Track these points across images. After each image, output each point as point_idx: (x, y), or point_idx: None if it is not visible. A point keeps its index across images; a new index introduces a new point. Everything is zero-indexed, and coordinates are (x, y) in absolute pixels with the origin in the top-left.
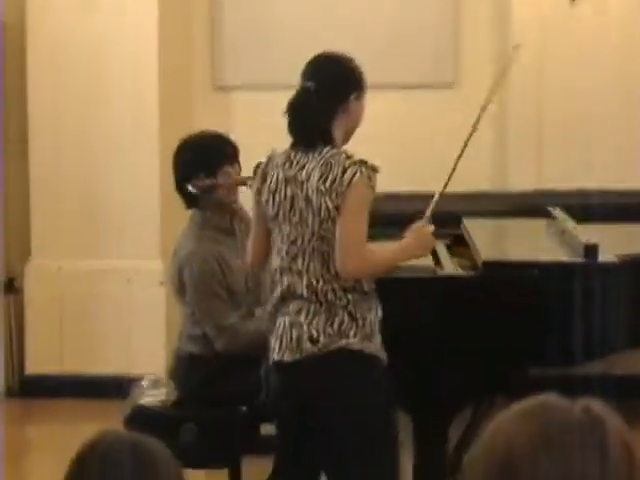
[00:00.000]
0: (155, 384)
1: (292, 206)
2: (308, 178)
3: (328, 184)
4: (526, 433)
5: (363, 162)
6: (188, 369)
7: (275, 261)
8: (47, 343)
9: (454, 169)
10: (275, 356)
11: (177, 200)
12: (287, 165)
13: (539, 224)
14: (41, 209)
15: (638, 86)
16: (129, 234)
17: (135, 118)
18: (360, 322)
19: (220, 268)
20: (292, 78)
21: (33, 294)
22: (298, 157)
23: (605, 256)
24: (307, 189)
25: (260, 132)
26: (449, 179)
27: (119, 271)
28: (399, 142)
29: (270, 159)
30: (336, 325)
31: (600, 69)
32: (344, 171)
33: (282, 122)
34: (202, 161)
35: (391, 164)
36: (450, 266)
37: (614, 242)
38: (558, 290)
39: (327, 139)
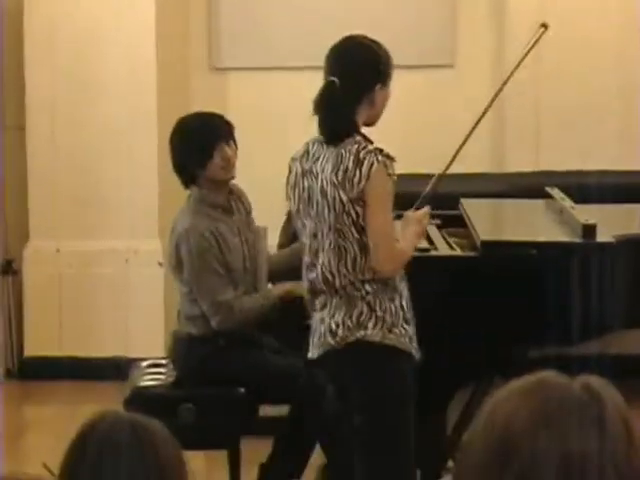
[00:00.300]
0: (154, 365)
1: (310, 199)
2: (322, 170)
3: (340, 176)
4: (525, 410)
5: (378, 150)
6: (187, 350)
7: (304, 258)
8: (46, 325)
9: (458, 151)
10: (308, 354)
11: (175, 180)
12: (305, 158)
13: (537, 204)
14: (39, 191)
15: (636, 69)
16: (127, 215)
17: (133, 100)
18: (379, 313)
19: (217, 244)
20: (288, 59)
21: (31, 276)
22: (315, 149)
23: (603, 236)
24: (322, 181)
25: (257, 113)
26: (452, 161)
27: (117, 252)
28: (399, 122)
29: (299, 152)
30: (355, 317)
31: (598, 52)
32: (359, 162)
33: (278, 103)
34: (198, 140)
35: (389, 144)
36: (444, 246)
37: (612, 222)
38: (556, 270)
39: (352, 130)
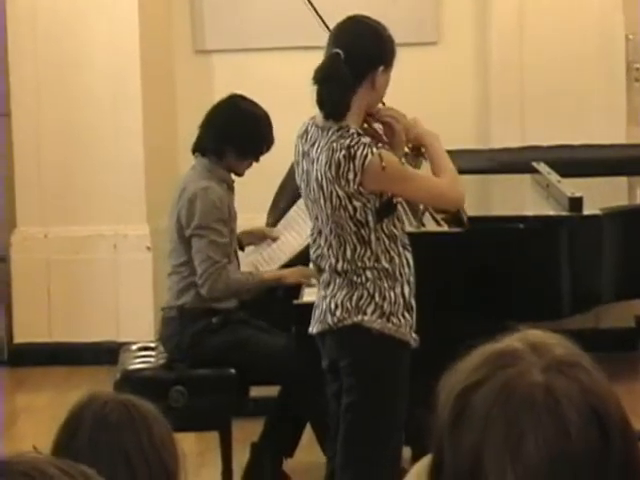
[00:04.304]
0: (144, 349)
1: (308, 183)
2: (318, 159)
3: (334, 171)
4: (483, 393)
5: (375, 142)
6: (180, 324)
7: (310, 233)
8: (35, 311)
9: None
10: (309, 328)
11: (162, 164)
12: (304, 138)
13: (524, 179)
14: (26, 177)
15: (620, 41)
16: (115, 200)
17: (117, 83)
18: (379, 300)
19: (229, 213)
20: (272, 41)
21: (20, 262)
22: (312, 131)
23: (590, 209)
24: (317, 172)
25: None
26: None
27: (105, 237)
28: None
29: (301, 129)
30: (355, 300)
31: (581, 26)
32: (351, 157)
33: (263, 85)
34: (261, 138)
35: None
36: (431, 223)
37: (598, 195)
38: (544, 243)
39: (342, 113)
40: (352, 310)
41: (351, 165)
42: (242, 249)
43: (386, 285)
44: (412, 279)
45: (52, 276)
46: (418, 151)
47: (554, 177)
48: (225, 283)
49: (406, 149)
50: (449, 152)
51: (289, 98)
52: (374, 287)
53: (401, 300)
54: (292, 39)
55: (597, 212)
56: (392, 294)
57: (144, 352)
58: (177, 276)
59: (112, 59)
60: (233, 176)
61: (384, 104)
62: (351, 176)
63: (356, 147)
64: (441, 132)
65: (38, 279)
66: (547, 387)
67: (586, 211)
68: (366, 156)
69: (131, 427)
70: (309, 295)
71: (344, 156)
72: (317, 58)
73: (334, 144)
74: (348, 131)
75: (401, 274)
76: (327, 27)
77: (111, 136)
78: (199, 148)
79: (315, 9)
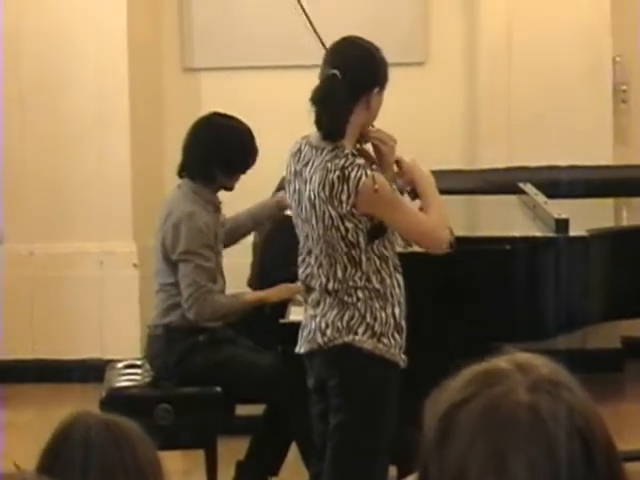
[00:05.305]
0: (130, 366)
1: (300, 202)
2: (311, 179)
3: (327, 192)
4: (469, 412)
5: (369, 164)
6: (166, 342)
7: (299, 252)
8: (20, 328)
9: None
10: (296, 347)
11: (149, 181)
12: (297, 157)
13: (510, 200)
14: (11, 194)
15: (606, 65)
16: (101, 216)
17: (105, 100)
18: (370, 321)
19: (214, 238)
20: (261, 59)
21: (5, 279)
22: (306, 151)
23: (576, 230)
24: (310, 192)
25: (230, 113)
26: None
27: (91, 254)
28: None
29: (294, 147)
30: (345, 320)
31: (569, 47)
32: (345, 178)
33: (251, 103)
34: (247, 153)
35: None
36: None
37: (585, 217)
38: (530, 264)
39: (341, 133)
40: (343, 330)
41: (345, 186)
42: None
43: (377, 305)
44: (402, 300)
45: (38, 293)
46: (416, 193)
47: (541, 198)
48: (211, 307)
49: (406, 192)
50: (436, 172)
51: (278, 116)
52: (365, 307)
53: (392, 321)
54: (281, 58)
55: (583, 233)
56: (383, 315)
57: (130, 370)
58: (164, 294)
59: (100, 77)
60: (224, 192)
61: (373, 126)
62: (344, 197)
63: (350, 168)
64: (428, 152)
65: (24, 296)
66: (532, 406)
67: (572, 232)
68: (360, 178)
69: (115, 447)
70: (295, 314)
71: (338, 177)
72: (306, 77)
73: (328, 164)
74: (343, 151)
75: (392, 295)
76: (323, 44)
77: (98, 153)
78: (186, 172)
79: (314, 28)
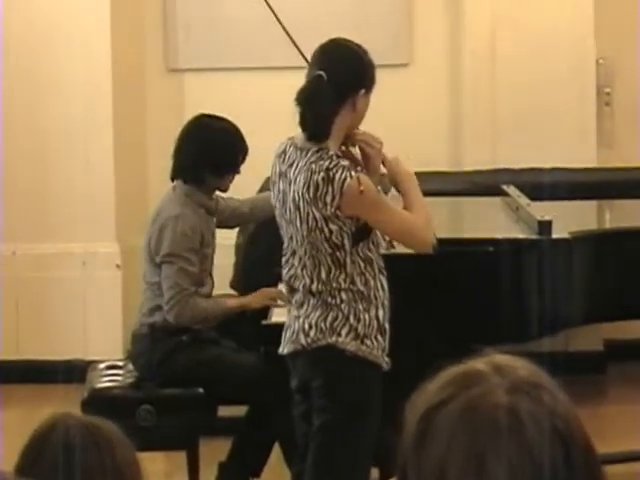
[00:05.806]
0: (112, 367)
1: (284, 203)
2: (295, 180)
3: (312, 193)
4: (447, 414)
5: (353, 165)
6: (150, 341)
7: (283, 253)
8: (3, 329)
9: None
10: (280, 348)
11: (132, 182)
12: (282, 158)
13: (494, 202)
14: None
15: (591, 67)
16: (84, 217)
17: (88, 101)
18: (354, 322)
19: (201, 240)
20: (245, 60)
21: None
22: (290, 152)
23: (559, 232)
24: (294, 193)
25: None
26: None
27: (74, 255)
28: None
29: (279, 148)
30: (329, 321)
31: (553, 50)
32: (329, 179)
33: (236, 104)
34: (235, 152)
35: None
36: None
37: (568, 219)
38: (513, 266)
39: (325, 134)
40: (326, 331)
41: (329, 188)
42: None
43: (361, 307)
44: (386, 302)
45: (20, 293)
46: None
47: (524, 200)
48: (192, 310)
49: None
50: (420, 174)
51: (262, 117)
52: (349, 309)
53: (375, 323)
54: (265, 59)
55: (566, 236)
56: (367, 316)
57: (112, 370)
58: (151, 293)
59: (83, 77)
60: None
61: (359, 128)
62: (329, 199)
63: (335, 170)
64: (412, 154)
65: (6, 296)
66: (511, 408)
67: (555, 234)
68: (345, 179)
69: (95, 450)
70: (278, 315)
71: (322, 178)
72: (290, 78)
73: (313, 165)
74: (327, 153)
75: (376, 297)
76: (300, 51)
77: (81, 154)
78: (178, 175)
79: (287, 32)
